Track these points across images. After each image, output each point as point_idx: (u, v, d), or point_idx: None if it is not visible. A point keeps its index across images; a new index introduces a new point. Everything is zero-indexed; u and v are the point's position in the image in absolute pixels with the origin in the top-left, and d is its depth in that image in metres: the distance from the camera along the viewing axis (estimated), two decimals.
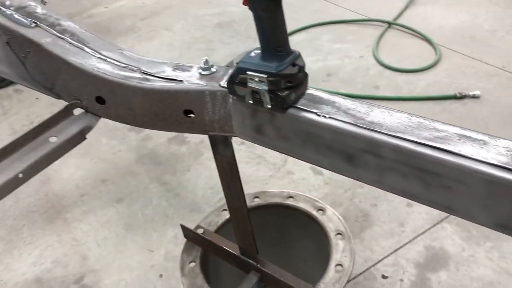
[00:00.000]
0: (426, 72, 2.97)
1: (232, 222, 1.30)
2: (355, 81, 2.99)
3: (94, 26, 4.29)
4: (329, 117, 0.83)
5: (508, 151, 0.72)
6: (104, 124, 2.85)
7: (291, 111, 0.87)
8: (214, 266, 1.52)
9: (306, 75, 0.90)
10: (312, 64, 3.24)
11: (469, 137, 0.75)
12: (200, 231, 1.48)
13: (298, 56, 0.87)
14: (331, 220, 1.49)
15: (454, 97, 2.67)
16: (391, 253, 1.90)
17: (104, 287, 1.92)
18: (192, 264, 1.42)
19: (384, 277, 1.81)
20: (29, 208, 2.36)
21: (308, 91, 0.91)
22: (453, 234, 1.93)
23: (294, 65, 0.85)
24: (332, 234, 1.45)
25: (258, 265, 1.33)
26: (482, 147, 0.73)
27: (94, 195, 2.40)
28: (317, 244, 1.50)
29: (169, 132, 2.78)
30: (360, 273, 1.83)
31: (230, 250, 1.38)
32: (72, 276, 1.98)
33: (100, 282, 1.94)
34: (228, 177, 1.17)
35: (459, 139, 0.75)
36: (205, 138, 2.56)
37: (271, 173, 2.38)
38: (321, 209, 1.53)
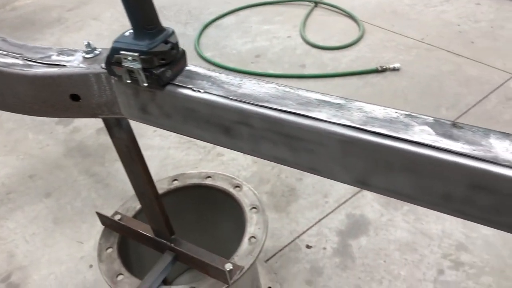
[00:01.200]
0: (350, 48, 3.06)
1: (142, 206, 1.31)
2: (283, 61, 3.04)
3: (18, 19, 4.13)
4: (204, 92, 0.86)
5: (360, 112, 0.77)
6: (31, 119, 2.78)
7: (169, 88, 0.89)
8: (134, 250, 1.53)
9: (182, 52, 0.91)
10: (241, 46, 3.26)
11: (327, 102, 0.80)
12: (117, 217, 1.48)
13: (171, 33, 0.89)
14: (246, 196, 1.53)
15: (376, 71, 2.77)
16: (315, 224, 1.97)
17: (33, 282, 1.89)
18: (110, 250, 1.43)
19: (308, 247, 1.88)
20: None
21: (187, 68, 0.93)
22: (372, 201, 2.02)
23: (166, 42, 0.87)
24: (247, 209, 1.49)
25: (172, 245, 1.36)
26: (337, 110, 0.78)
27: (22, 191, 2.35)
28: (235, 220, 1.54)
29: (99, 123, 2.75)
30: (286, 245, 1.90)
31: (145, 233, 1.39)
32: (0, 272, 1.95)
33: (28, 278, 1.92)
34: (129, 161, 1.18)
35: (318, 104, 0.79)
36: (134, 125, 2.52)
37: (201, 157, 2.40)
38: (237, 186, 1.57)
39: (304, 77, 2.82)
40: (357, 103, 0.79)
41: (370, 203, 2.02)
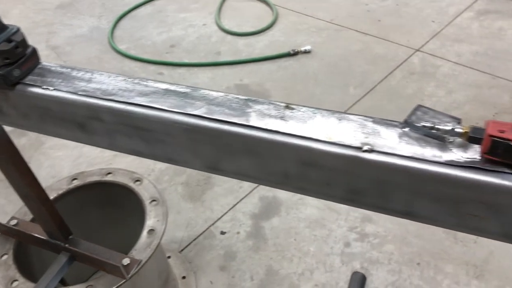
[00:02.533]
0: (265, 33, 3.09)
1: (29, 209, 1.28)
2: (199, 49, 3.03)
3: None
4: (53, 89, 0.84)
5: (204, 99, 0.78)
6: None
7: (19, 87, 0.86)
8: (36, 255, 1.49)
9: (33, 50, 0.89)
10: (156, 36, 3.21)
11: (174, 91, 0.81)
12: (12, 222, 1.44)
13: (16, 31, 0.86)
14: (146, 189, 1.52)
15: (288, 55, 2.81)
16: (230, 210, 1.99)
17: None
18: (5, 257, 1.39)
19: (222, 233, 1.91)
20: None
21: (40, 66, 0.90)
22: None
23: (10, 41, 0.84)
24: (147, 202, 1.48)
25: (67, 245, 1.33)
26: (182, 99, 0.79)
27: None
28: (137, 214, 1.53)
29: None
30: (200, 234, 1.91)
31: (40, 236, 1.36)
32: None
33: None
34: (4, 164, 1.14)
35: (164, 94, 0.80)
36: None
37: (116, 153, 2.35)
38: (138, 180, 1.56)
39: (219, 64, 2.83)
40: (202, 91, 0.80)
41: None
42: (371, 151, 0.66)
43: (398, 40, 2.85)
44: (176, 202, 2.06)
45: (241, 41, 3.05)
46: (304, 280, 1.71)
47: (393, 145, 0.67)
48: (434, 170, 0.63)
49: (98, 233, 1.62)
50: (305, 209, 1.96)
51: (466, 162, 0.62)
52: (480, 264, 1.69)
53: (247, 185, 2.09)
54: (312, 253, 1.79)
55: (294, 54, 2.81)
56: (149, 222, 1.43)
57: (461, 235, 1.78)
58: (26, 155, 2.45)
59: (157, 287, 1.55)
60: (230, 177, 0.81)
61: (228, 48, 3.00)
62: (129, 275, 1.28)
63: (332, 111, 0.74)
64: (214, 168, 0.80)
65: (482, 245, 1.75)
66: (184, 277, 1.76)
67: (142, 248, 1.35)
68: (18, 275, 1.33)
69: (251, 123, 0.73)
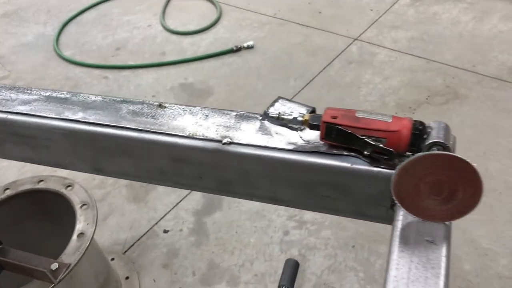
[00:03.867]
0: (209, 31, 3.11)
1: None
2: (144, 50, 3.04)
3: None
4: None
5: (82, 104, 0.81)
6: None
7: None
8: None
9: None
10: (101, 40, 3.20)
11: (54, 98, 0.83)
12: None
13: None
14: (77, 194, 1.54)
15: (231, 51, 2.85)
16: (173, 208, 2.02)
17: None
18: None
19: (165, 231, 1.94)
20: None
21: None
22: None
23: None
24: (77, 206, 1.50)
25: None
26: (61, 105, 0.81)
27: None
28: (68, 219, 1.54)
29: None
30: (144, 234, 1.94)
31: None
32: None
33: None
34: None
35: (45, 101, 0.83)
36: None
37: None
38: (69, 185, 1.57)
39: (164, 64, 2.84)
40: (81, 96, 0.83)
41: None
42: (230, 143, 0.70)
43: (338, 30, 2.91)
44: (120, 204, 2.08)
45: (186, 40, 3.07)
46: (244, 271, 1.75)
47: (250, 137, 0.71)
48: (283, 157, 0.68)
49: (33, 241, 1.62)
50: (247, 202, 2.00)
51: (310, 147, 0.67)
52: None
53: None
54: (253, 244, 1.83)
55: (237, 50, 2.84)
56: (79, 226, 1.44)
57: None
58: None
59: (94, 286, 1.57)
60: (114, 177, 0.84)
61: (173, 47, 3.02)
62: (57, 280, 1.30)
63: (202, 107, 0.78)
64: (99, 169, 0.83)
65: None
66: (127, 278, 1.78)
67: (71, 252, 1.37)
68: None
69: (122, 124, 0.76)
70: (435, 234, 0.55)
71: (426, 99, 2.34)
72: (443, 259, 0.52)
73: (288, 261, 1.63)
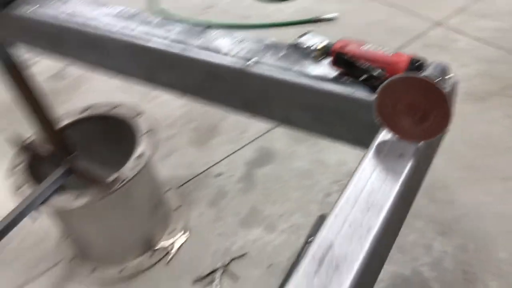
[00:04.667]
0: (295, 1, 3.19)
1: (39, 129, 1.51)
2: (230, 12, 3.18)
3: None
4: (34, 9, 1.04)
5: (125, 21, 0.95)
6: None
7: (8, 9, 1.07)
8: (42, 168, 1.72)
9: None
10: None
11: (123, 13, 0.98)
12: (29, 140, 1.69)
13: None
14: (144, 122, 1.72)
15: (310, 21, 2.91)
16: (229, 155, 2.17)
17: None
18: (19, 167, 1.64)
19: (218, 175, 2.09)
20: None
21: None
22: (282, 136, 2.21)
23: None
24: (142, 133, 1.69)
25: (67, 161, 1.56)
26: (125, 20, 0.96)
27: None
28: (134, 143, 1.73)
29: (49, 70, 2.93)
30: (199, 174, 2.11)
31: (47, 152, 1.60)
32: None
33: None
34: (15, 88, 1.36)
35: (114, 16, 0.98)
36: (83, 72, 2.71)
37: (139, 98, 2.58)
38: (138, 114, 1.76)
39: (247, 26, 2.97)
40: (144, 15, 0.97)
41: (280, 138, 2.21)
42: (254, 64, 0.81)
43: (422, 13, 2.86)
44: (183, 145, 2.27)
45: (271, 7, 3.17)
46: (282, 221, 1.86)
47: (273, 61, 0.81)
48: (298, 81, 0.77)
49: (102, 158, 1.84)
50: (298, 161, 2.10)
51: (322, 75, 0.76)
52: (450, 223, 1.77)
53: (248, 136, 2.25)
54: (295, 199, 1.93)
55: (316, 21, 2.90)
56: (140, 149, 1.63)
57: (438, 196, 1.86)
58: (64, 97, 2.75)
59: (146, 208, 1.76)
60: (162, 89, 0.98)
61: (257, 12, 3.14)
62: (112, 190, 1.50)
63: (241, 35, 0.89)
64: (151, 79, 0.97)
65: (457, 206, 1.82)
66: (177, 208, 1.97)
67: (129, 169, 1.56)
68: (27, 182, 1.58)
69: (170, 41, 0.89)
70: (406, 150, 0.62)
71: (500, 90, 2.26)
72: (407, 169, 0.59)
73: (321, 217, 1.72)
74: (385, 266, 1.54)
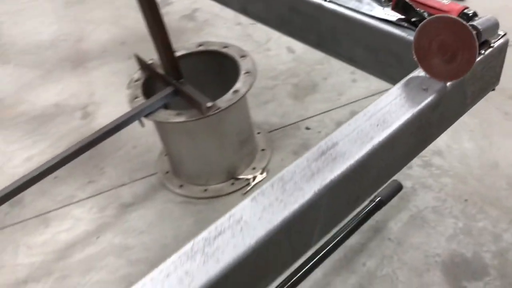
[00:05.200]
0: None
1: (157, 52, 1.74)
2: None
3: None
4: None
5: None
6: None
7: None
8: (155, 86, 1.97)
9: None
10: None
11: None
12: (150, 61, 1.95)
13: None
14: (247, 63, 1.89)
15: None
16: (321, 113, 2.27)
17: (100, 113, 2.50)
18: (138, 82, 1.91)
19: (307, 128, 2.21)
20: (62, 58, 2.98)
21: None
22: None
23: None
24: (243, 72, 1.85)
25: (175, 83, 1.78)
26: None
27: (113, 52, 2.95)
28: (234, 80, 1.91)
29: (184, 10, 3.23)
30: (290, 124, 2.24)
31: (160, 72, 1.84)
32: (80, 104, 2.59)
33: (98, 111, 2.53)
34: (145, 7, 1.59)
35: None
36: (211, 17, 2.97)
37: (253, 49, 2.76)
38: (243, 56, 1.93)
39: None
40: None
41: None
42: (329, 1, 0.90)
43: None
44: (282, 96, 2.41)
45: None
46: None
47: (347, 2, 0.90)
48: (362, 20, 0.86)
49: (204, 88, 2.03)
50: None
51: (385, 17, 0.83)
52: None
53: (344, 99, 2.32)
54: None
55: None
56: (237, 85, 1.80)
57: None
58: (188, 36, 3.03)
59: (235, 141, 1.95)
60: (253, 19, 1.11)
61: None
62: (207, 114, 1.69)
63: None
64: (244, 10, 1.11)
65: None
66: (263, 150, 2.13)
67: (224, 100, 1.74)
68: (140, 94, 1.84)
69: None
70: (431, 86, 0.68)
71: None
72: (426, 101, 0.66)
73: (393, 181, 1.76)
74: (446, 243, 1.63)
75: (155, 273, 0.51)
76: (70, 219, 2.00)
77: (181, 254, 0.53)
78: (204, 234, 0.55)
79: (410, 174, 1.92)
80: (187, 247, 0.54)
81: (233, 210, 0.57)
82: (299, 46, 2.69)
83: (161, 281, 0.50)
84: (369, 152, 0.61)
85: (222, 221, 0.55)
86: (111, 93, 2.62)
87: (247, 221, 0.55)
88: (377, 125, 0.64)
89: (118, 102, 2.49)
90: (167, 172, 2.11)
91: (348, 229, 1.60)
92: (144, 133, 2.34)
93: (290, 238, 0.57)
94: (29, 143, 2.43)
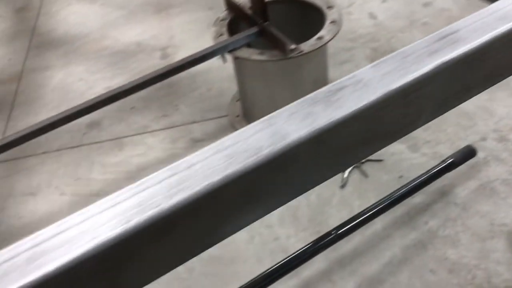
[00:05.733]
0: None
1: None
2: None
3: None
4: None
5: None
6: None
7: None
8: (240, 26, 2.01)
9: None
10: None
11: None
12: (238, 2, 1.99)
13: None
14: (332, 14, 1.89)
15: None
16: None
17: (179, 55, 2.58)
18: (224, 21, 1.96)
19: None
20: (146, 2, 3.08)
21: None
22: None
23: None
24: (328, 22, 1.86)
25: (260, 24, 1.82)
26: None
27: (195, 1, 3.02)
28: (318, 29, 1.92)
29: None
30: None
31: (247, 12, 1.88)
32: (160, 45, 2.69)
33: (177, 53, 2.61)
34: None
35: None
36: None
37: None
38: (330, 7, 1.93)
39: None
40: None
41: None
42: None
43: None
44: (359, 59, 2.40)
45: None
46: (427, 146, 1.91)
47: None
48: None
49: (288, 33, 2.04)
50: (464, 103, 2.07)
51: None
52: None
53: None
54: (448, 132, 1.95)
55: None
56: (322, 32, 1.81)
57: None
58: None
59: (309, 90, 1.96)
60: None
61: None
62: (289, 56, 1.72)
63: None
64: None
65: None
66: None
67: (308, 44, 1.77)
68: (225, 32, 1.89)
69: None
70: None
71: None
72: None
73: (467, 146, 1.74)
74: None
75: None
76: (143, 146, 2.10)
77: (303, 100, 0.57)
78: (326, 88, 0.58)
79: (485, 146, 1.88)
80: (310, 96, 0.57)
81: (354, 73, 0.59)
82: (381, 13, 2.66)
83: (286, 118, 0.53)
84: (491, 40, 0.62)
85: (343, 80, 0.58)
86: (190, 39, 2.69)
87: (367, 83, 0.58)
88: (501, 19, 0.64)
89: (196, 47, 2.56)
90: (237, 116, 2.17)
91: (415, 185, 1.60)
92: (219, 78, 2.42)
93: (406, 105, 0.59)
94: (109, 75, 2.56)
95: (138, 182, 0.50)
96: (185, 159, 0.53)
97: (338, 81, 0.59)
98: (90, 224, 0.46)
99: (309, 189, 0.58)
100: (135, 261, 0.48)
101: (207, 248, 0.52)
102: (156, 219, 0.47)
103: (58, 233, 0.45)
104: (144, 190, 0.49)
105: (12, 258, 0.43)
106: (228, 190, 0.49)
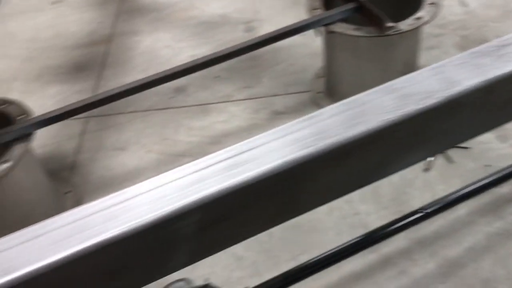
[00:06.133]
0: None
1: None
2: None
3: None
4: None
5: None
6: None
7: None
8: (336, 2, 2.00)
9: None
10: None
11: None
12: None
13: None
14: None
15: None
16: None
17: (263, 29, 2.62)
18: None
19: None
20: None
21: None
22: None
23: None
24: (427, 2, 1.83)
25: (358, 1, 1.81)
26: None
27: None
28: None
29: None
30: None
31: None
32: (244, 19, 2.73)
33: (261, 27, 2.64)
34: None
35: None
36: None
37: None
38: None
39: None
40: None
41: None
42: None
43: None
44: (448, 45, 2.34)
45: None
46: None
47: None
48: None
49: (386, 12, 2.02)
50: None
51: None
52: None
53: None
54: None
55: None
56: (420, 13, 1.79)
57: None
58: None
59: (399, 71, 1.95)
60: None
61: None
62: (385, 33, 1.71)
63: None
64: None
65: None
66: None
67: (406, 23, 1.75)
68: (320, 6, 1.90)
69: None
70: None
71: None
72: None
73: None
74: None
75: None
76: (226, 113, 2.17)
77: (470, 52, 0.58)
78: (491, 43, 0.59)
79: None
80: (476, 49, 0.58)
81: None
82: (473, 1, 2.58)
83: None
84: None
85: (509, 37, 0.58)
86: (275, 14, 2.72)
87: None
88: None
89: (281, 23, 2.58)
90: (319, 93, 2.18)
91: (504, 174, 1.57)
92: (301, 55, 2.44)
93: None
94: (194, 44, 2.63)
95: (313, 114, 0.54)
96: (355, 97, 0.56)
97: (504, 37, 0.60)
98: (278, 145, 0.50)
99: (465, 141, 0.60)
100: (311, 180, 0.52)
101: (369, 183, 0.55)
102: (332, 147, 0.50)
103: (251, 149, 0.50)
104: (320, 121, 0.53)
105: (213, 164, 0.48)
106: (400, 129, 0.52)
